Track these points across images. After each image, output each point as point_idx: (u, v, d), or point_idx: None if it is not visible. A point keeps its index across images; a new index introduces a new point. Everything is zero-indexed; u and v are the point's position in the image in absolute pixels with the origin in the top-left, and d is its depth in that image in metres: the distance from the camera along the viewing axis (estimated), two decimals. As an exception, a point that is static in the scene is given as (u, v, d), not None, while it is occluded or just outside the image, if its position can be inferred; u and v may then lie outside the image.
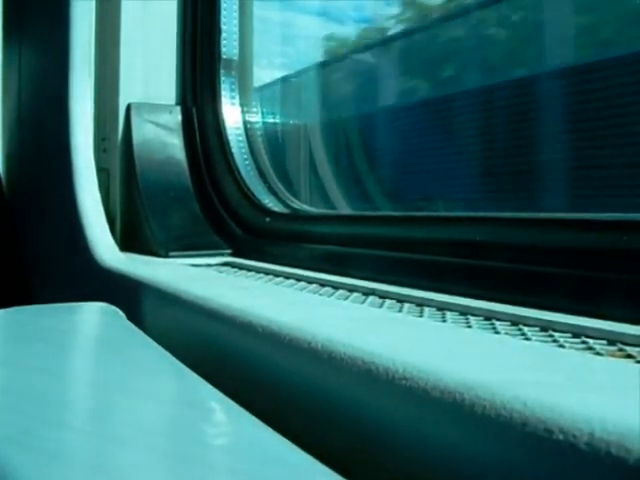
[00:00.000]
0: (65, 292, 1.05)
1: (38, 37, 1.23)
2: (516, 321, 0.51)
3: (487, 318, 0.54)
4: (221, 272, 0.90)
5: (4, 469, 0.28)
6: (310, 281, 0.77)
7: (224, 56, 1.17)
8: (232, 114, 1.18)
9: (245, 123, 1.20)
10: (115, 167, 1.10)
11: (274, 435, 0.34)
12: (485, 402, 0.30)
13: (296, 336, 0.44)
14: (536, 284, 0.58)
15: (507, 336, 0.47)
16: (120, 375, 0.45)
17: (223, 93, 1.17)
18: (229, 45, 1.18)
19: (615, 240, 0.54)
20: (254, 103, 1.25)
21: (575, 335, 0.47)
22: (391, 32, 1.88)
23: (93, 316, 0.68)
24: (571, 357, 0.40)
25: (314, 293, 0.69)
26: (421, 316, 0.56)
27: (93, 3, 1.10)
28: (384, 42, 1.89)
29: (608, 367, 0.37)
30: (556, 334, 0.47)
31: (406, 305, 0.61)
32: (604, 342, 0.45)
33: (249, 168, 1.15)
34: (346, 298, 0.66)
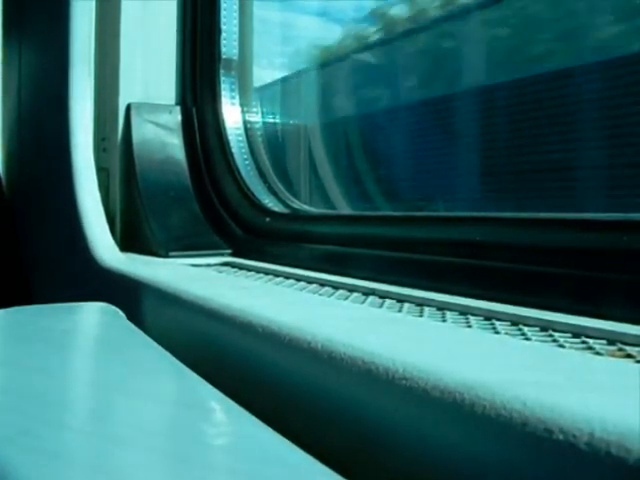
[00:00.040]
0: (65, 292, 1.05)
1: (38, 36, 1.23)
2: (516, 321, 0.51)
3: (487, 318, 0.54)
4: (221, 272, 0.90)
5: (4, 469, 0.28)
6: (310, 281, 0.77)
7: (224, 56, 1.17)
8: (232, 114, 1.18)
9: (245, 123, 1.20)
10: (115, 167, 1.10)
11: (274, 435, 0.34)
12: (485, 402, 0.30)
13: (296, 336, 0.44)
14: (536, 284, 0.58)
15: (507, 336, 0.47)
16: (120, 375, 0.45)
17: (223, 93, 1.17)
18: (229, 45, 1.18)
19: (615, 240, 0.54)
20: (254, 103, 1.25)
21: (575, 335, 0.47)
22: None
23: (93, 316, 0.68)
24: (571, 357, 0.40)
25: (314, 293, 0.69)
26: (421, 316, 0.56)
27: (93, 3, 1.10)
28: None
29: (608, 367, 0.37)
30: (556, 334, 0.47)
31: (406, 305, 0.61)
32: (604, 342, 0.45)
33: (249, 168, 1.15)
34: (346, 298, 0.66)
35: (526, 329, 0.49)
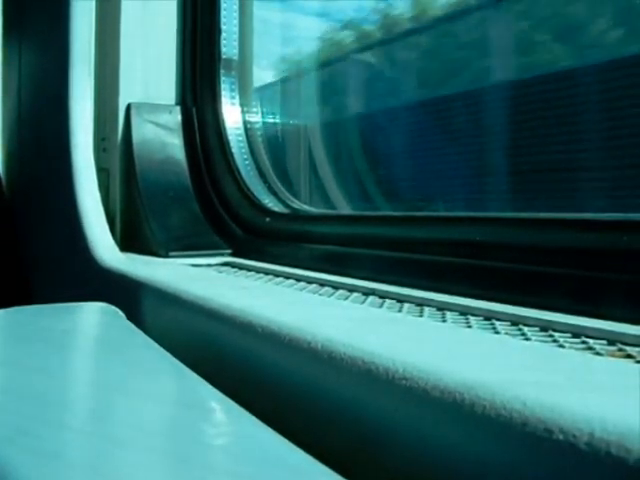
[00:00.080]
0: (65, 292, 1.05)
1: (38, 36, 1.23)
2: (516, 321, 0.51)
3: (487, 318, 0.53)
4: (221, 272, 0.90)
5: (4, 469, 0.28)
6: (310, 281, 0.77)
7: (224, 56, 1.17)
8: (232, 114, 1.18)
9: (245, 123, 1.20)
10: (115, 167, 1.10)
11: (274, 435, 0.34)
12: (485, 402, 0.30)
13: (296, 336, 0.44)
14: (536, 284, 0.58)
15: (507, 336, 0.47)
16: (120, 375, 0.45)
17: (223, 93, 1.17)
18: (229, 45, 1.18)
19: (615, 240, 0.54)
20: (254, 103, 1.25)
21: (575, 335, 0.47)
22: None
23: (93, 316, 0.68)
24: (571, 357, 0.40)
25: (314, 293, 0.69)
26: (421, 316, 0.56)
27: (93, 3, 1.10)
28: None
29: (608, 367, 0.37)
30: (556, 334, 0.47)
31: (406, 305, 0.61)
32: (604, 342, 0.45)
33: (249, 168, 1.15)
34: (346, 298, 0.66)
35: (526, 329, 0.49)
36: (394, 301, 0.63)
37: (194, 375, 0.44)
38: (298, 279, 0.79)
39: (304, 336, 0.44)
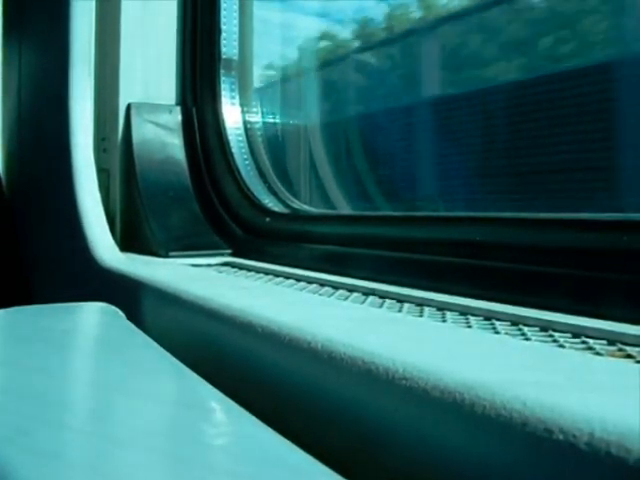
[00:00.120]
0: (65, 292, 1.05)
1: (38, 36, 1.23)
2: (516, 321, 0.51)
3: (487, 318, 0.53)
4: (221, 272, 0.90)
5: (3, 469, 0.28)
6: (310, 281, 0.77)
7: (224, 56, 1.17)
8: (232, 114, 1.18)
9: (245, 123, 1.20)
10: (115, 167, 1.10)
11: (274, 435, 0.34)
12: (485, 402, 0.30)
13: (296, 336, 0.44)
14: (536, 284, 0.58)
15: (507, 336, 0.47)
16: (120, 375, 0.45)
17: (223, 93, 1.17)
18: (229, 45, 1.18)
19: (615, 240, 0.54)
20: (254, 103, 1.25)
21: (575, 335, 0.47)
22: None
23: (93, 316, 0.68)
24: (571, 357, 0.40)
25: (314, 293, 0.69)
26: (421, 316, 0.56)
27: (93, 3, 1.10)
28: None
29: (608, 367, 0.37)
30: (556, 334, 0.47)
31: (406, 305, 0.61)
32: (604, 342, 0.45)
33: (249, 168, 1.15)
34: (346, 298, 0.66)
35: (526, 329, 0.49)
36: (394, 301, 0.63)
37: (194, 375, 0.44)
38: (298, 279, 0.79)
39: (304, 336, 0.44)
